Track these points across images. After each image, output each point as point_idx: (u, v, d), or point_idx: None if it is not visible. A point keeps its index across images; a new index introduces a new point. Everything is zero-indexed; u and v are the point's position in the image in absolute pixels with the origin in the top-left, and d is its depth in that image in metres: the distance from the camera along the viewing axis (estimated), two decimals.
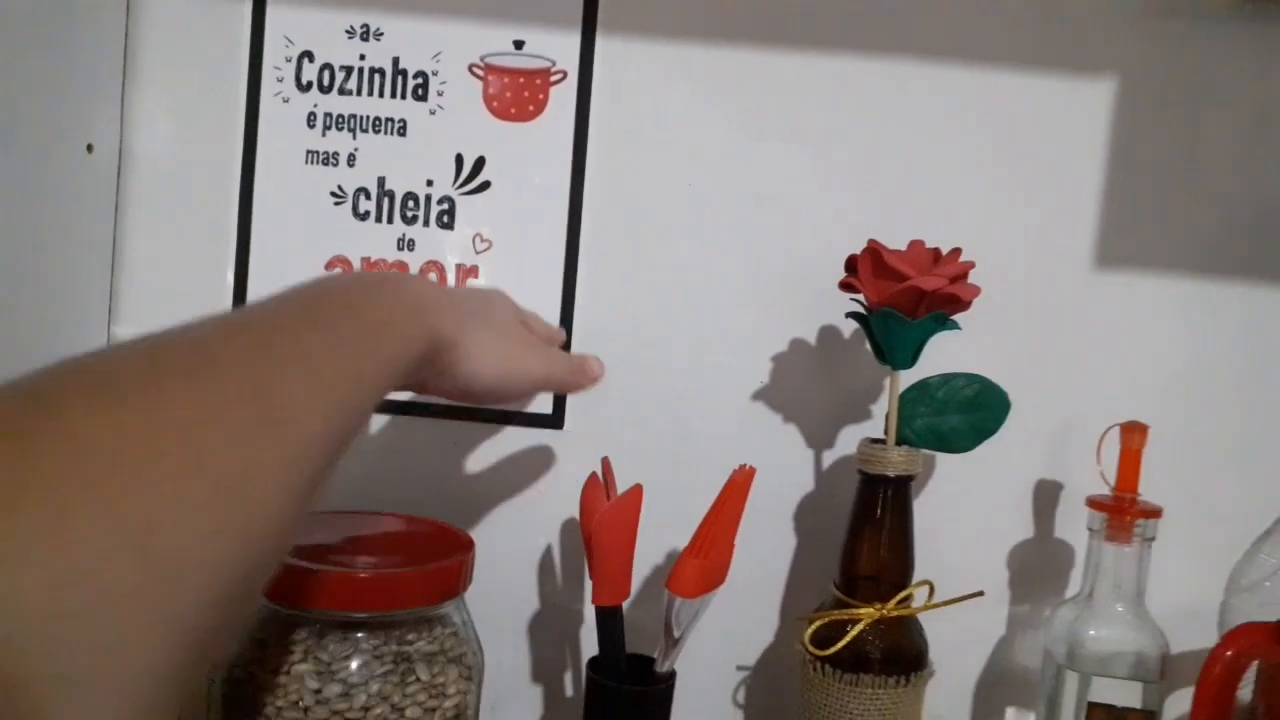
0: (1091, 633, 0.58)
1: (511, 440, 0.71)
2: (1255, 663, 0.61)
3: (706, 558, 0.55)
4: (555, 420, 0.71)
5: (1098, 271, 0.66)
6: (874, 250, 0.55)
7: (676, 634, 0.56)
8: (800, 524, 0.69)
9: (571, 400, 0.70)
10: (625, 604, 0.58)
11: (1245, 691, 0.64)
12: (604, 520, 0.55)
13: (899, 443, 0.58)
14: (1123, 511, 0.57)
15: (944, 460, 0.67)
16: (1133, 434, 0.58)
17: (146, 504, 0.26)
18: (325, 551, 0.53)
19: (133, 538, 0.25)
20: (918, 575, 0.59)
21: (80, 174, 0.68)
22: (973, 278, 0.56)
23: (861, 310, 0.59)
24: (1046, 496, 0.67)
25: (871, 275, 0.56)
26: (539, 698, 0.71)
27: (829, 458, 0.69)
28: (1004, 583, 0.67)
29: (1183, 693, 0.62)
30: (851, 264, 0.57)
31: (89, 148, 0.68)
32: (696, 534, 0.55)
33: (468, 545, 0.56)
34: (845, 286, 0.58)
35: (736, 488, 0.55)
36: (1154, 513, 0.57)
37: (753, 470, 0.55)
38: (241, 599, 0.30)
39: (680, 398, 0.69)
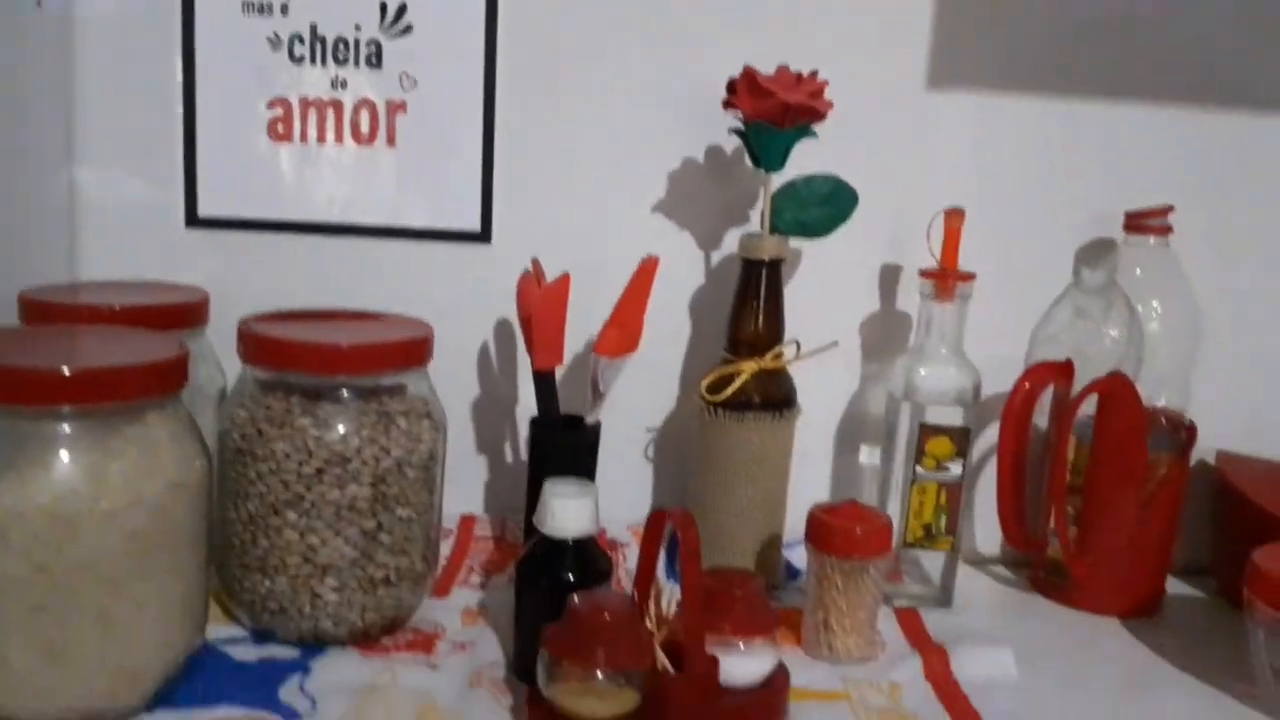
0: (922, 372, 0.74)
1: (444, 254, 0.82)
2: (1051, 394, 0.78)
3: (623, 328, 0.68)
4: (484, 236, 0.82)
5: (930, 91, 0.80)
6: (749, 74, 0.68)
7: (601, 389, 0.70)
8: (694, 312, 0.83)
9: (496, 215, 0.81)
10: (558, 373, 0.71)
11: (1043, 420, 0.82)
12: (544, 297, 0.67)
13: (772, 233, 0.72)
14: (945, 277, 0.73)
15: (812, 254, 0.82)
16: (952, 217, 0.73)
17: None
18: (312, 330, 0.64)
19: None
20: (798, 336, 0.73)
21: (31, 27, 0.74)
22: (829, 96, 0.70)
23: (740, 127, 0.71)
24: (889, 277, 0.82)
25: (747, 94, 0.68)
26: (485, 463, 0.85)
27: (716, 257, 0.83)
28: (858, 347, 0.84)
29: (995, 426, 0.79)
30: (731, 86, 0.69)
31: (38, 2, 0.74)
32: (615, 307, 0.68)
33: (428, 327, 0.67)
34: (727, 105, 0.70)
35: (645, 271, 0.68)
36: (969, 276, 0.73)
37: (656, 259, 0.69)
38: None
39: (593, 209, 0.81)
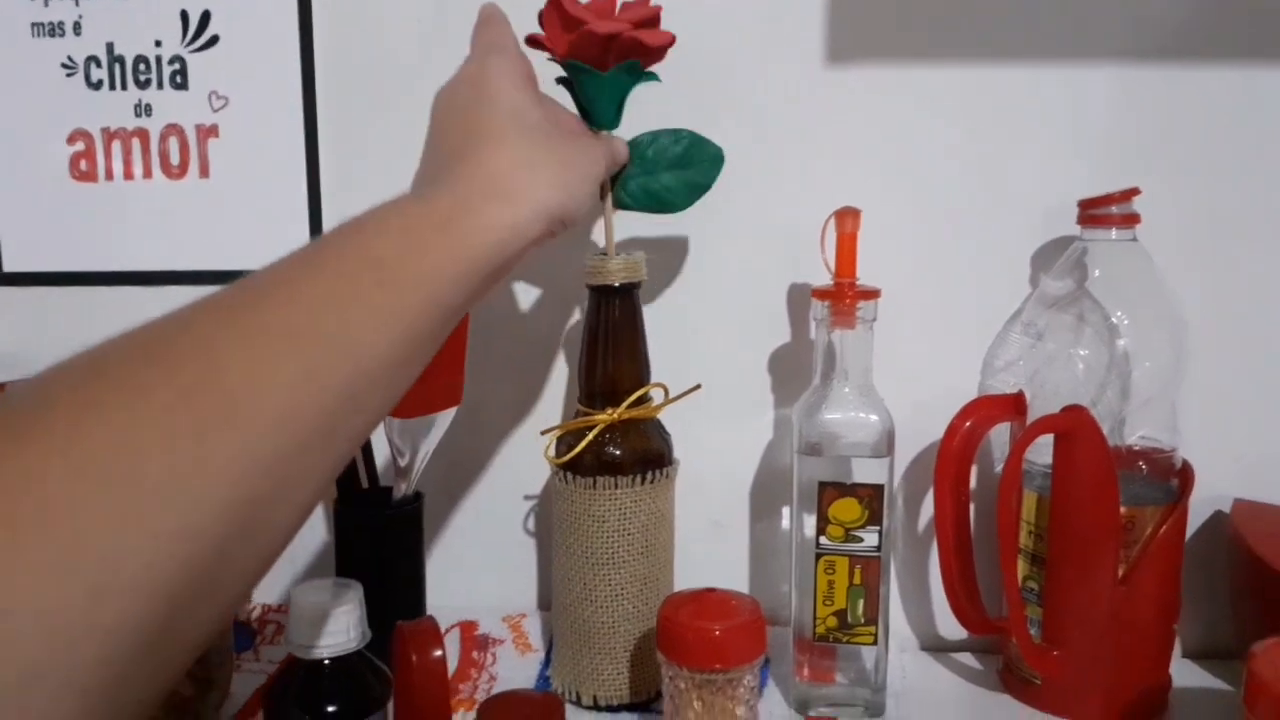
0: (825, 417, 0.59)
1: None
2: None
3: (421, 379, 0.54)
4: None
5: (829, 68, 0.65)
6: (557, 2, 0.52)
7: (401, 461, 0.56)
8: (569, 353, 0.70)
9: None
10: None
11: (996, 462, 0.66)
12: None
13: (616, 208, 0.57)
14: (842, 296, 0.57)
15: (707, 271, 0.68)
16: (845, 218, 0.58)
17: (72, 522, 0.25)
18: None
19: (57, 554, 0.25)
20: (689, 384, 0.59)
21: None
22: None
23: (563, 74, 0.55)
24: (799, 298, 0.67)
25: (559, 30, 0.53)
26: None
27: None
28: (767, 387, 0.68)
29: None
30: (540, 20, 0.54)
31: None
32: None
33: None
34: (531, 42, 0.54)
35: None
36: (872, 294, 0.58)
37: None
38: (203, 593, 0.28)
39: None
